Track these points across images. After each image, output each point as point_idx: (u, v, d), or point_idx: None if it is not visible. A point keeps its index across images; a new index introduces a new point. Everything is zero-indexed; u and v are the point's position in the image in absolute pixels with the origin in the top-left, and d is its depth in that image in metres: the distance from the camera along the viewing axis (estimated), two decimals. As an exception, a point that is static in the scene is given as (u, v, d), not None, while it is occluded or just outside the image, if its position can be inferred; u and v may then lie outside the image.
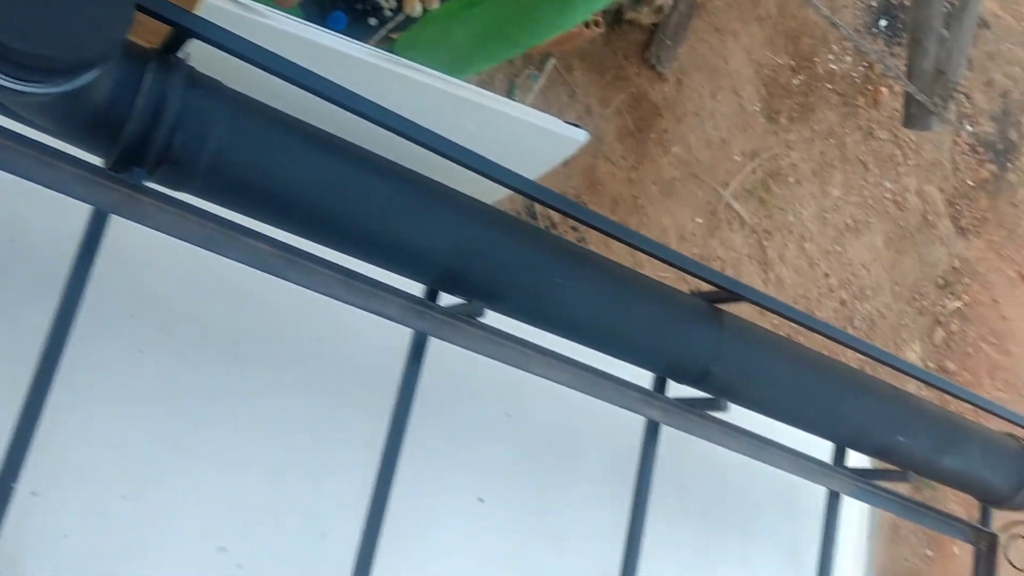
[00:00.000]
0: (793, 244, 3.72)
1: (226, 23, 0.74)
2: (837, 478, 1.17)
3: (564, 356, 0.94)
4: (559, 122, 1.41)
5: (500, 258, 0.88)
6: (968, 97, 4.47)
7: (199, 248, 0.75)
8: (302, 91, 0.77)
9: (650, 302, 0.98)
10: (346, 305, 0.82)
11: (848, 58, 4.06)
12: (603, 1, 2.02)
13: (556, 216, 2.98)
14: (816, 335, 1.09)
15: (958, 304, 4.18)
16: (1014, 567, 1.31)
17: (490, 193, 0.95)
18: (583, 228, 2.87)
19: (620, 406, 1.00)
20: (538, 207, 2.97)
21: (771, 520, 1.31)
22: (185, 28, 0.72)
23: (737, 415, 1.07)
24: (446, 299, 0.90)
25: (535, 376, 0.94)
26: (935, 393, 1.34)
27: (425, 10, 2.22)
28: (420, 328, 0.87)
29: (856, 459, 1.22)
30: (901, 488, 1.23)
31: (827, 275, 3.80)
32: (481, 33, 1.92)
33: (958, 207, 4.32)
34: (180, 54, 0.75)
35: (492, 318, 0.90)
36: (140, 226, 0.73)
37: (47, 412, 0.71)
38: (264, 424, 0.95)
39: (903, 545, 3.68)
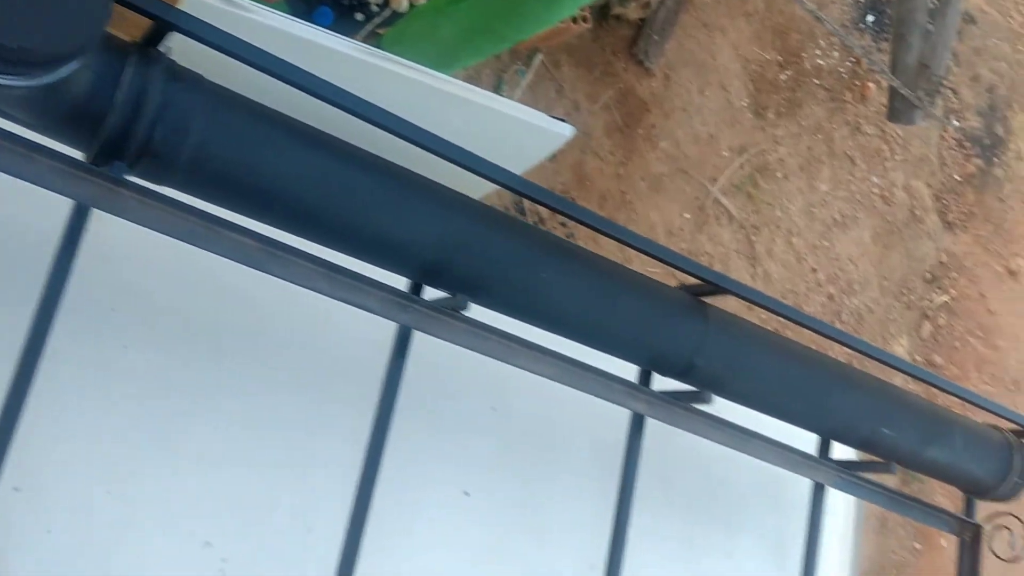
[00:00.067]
0: (781, 239, 3.73)
1: (211, 18, 0.74)
2: (822, 470, 1.17)
3: (549, 349, 0.94)
4: (545, 117, 1.42)
5: (484, 252, 0.88)
6: (955, 92, 4.48)
7: (181, 242, 0.75)
8: (288, 87, 0.77)
9: (634, 296, 0.98)
10: (331, 300, 0.82)
11: (835, 53, 4.07)
12: (588, -4, 2.02)
13: (545, 212, 2.98)
14: (805, 329, 1.10)
15: (945, 298, 4.19)
16: (998, 557, 1.32)
17: (478, 188, 0.95)
18: (571, 224, 2.87)
19: (605, 399, 1.00)
20: (527, 203, 2.97)
21: (756, 512, 1.31)
22: (165, 21, 0.72)
23: (723, 409, 1.08)
24: (431, 294, 0.90)
25: (520, 370, 0.94)
26: (922, 387, 1.35)
27: (412, 5, 2.22)
28: (403, 321, 0.87)
29: (841, 452, 1.22)
30: (889, 481, 1.24)
31: (815, 270, 3.81)
32: (467, 28, 1.92)
33: (945, 202, 4.33)
34: (161, 48, 0.75)
35: (477, 312, 0.90)
36: (122, 220, 0.73)
37: (29, 407, 0.71)
38: (248, 418, 0.94)
39: (891, 538, 3.70)
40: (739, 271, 3.54)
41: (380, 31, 2.21)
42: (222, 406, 0.93)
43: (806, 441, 1.17)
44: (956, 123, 4.47)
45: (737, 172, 3.65)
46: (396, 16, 2.21)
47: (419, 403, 1.01)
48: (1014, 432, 1.31)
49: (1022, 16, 4.79)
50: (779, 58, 3.88)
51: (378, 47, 1.42)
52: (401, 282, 0.88)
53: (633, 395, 1.01)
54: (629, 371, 1.03)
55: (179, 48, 0.76)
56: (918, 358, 4.01)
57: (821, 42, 4.03)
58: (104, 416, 0.88)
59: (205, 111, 0.74)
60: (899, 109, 3.48)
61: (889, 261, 4.06)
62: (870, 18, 4.24)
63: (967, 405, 1.28)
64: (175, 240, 0.74)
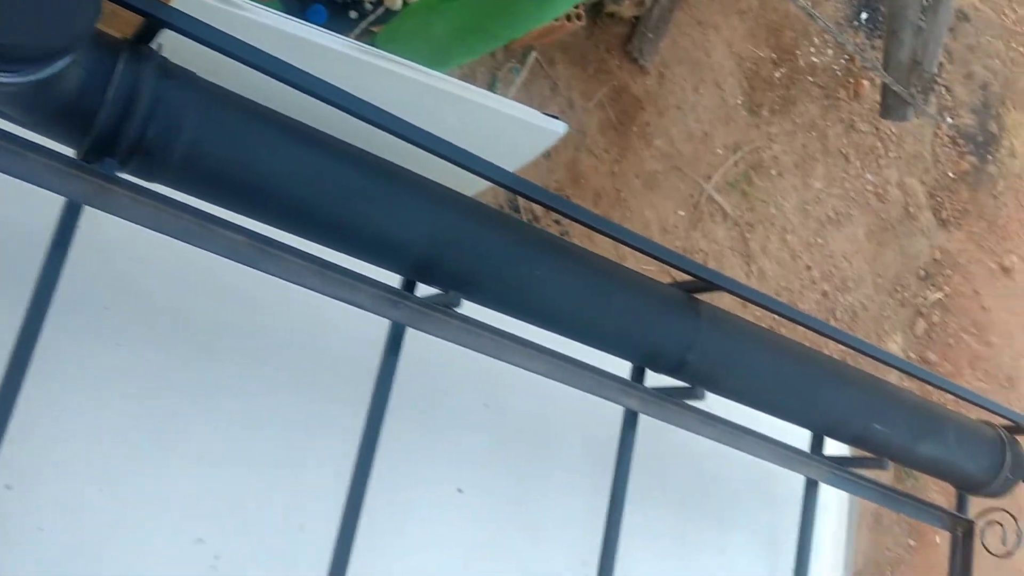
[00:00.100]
0: (775, 236, 3.73)
1: (203, 16, 0.74)
2: (814, 466, 1.17)
3: (542, 346, 0.95)
4: (538, 114, 1.42)
5: (476, 248, 0.89)
6: (948, 90, 4.49)
7: (174, 240, 0.75)
8: (282, 85, 0.77)
9: (627, 292, 0.98)
10: (324, 297, 0.82)
11: (829, 51, 4.08)
12: (581, -6, 2.03)
13: (539, 209, 2.98)
14: (799, 327, 1.10)
15: (939, 295, 4.20)
16: (991, 553, 1.32)
17: (472, 186, 0.95)
18: (566, 221, 2.87)
19: (598, 396, 1.00)
20: (521, 200, 2.97)
21: (750, 509, 1.31)
22: (157, 18, 0.71)
23: (717, 406, 1.08)
24: (423, 291, 0.90)
25: (513, 366, 0.94)
26: (917, 383, 1.35)
27: (405, 3, 2.22)
28: (395, 318, 0.87)
29: (834, 448, 1.22)
30: (883, 478, 1.24)
31: (809, 267, 3.81)
32: (461, 26, 1.92)
33: (939, 199, 4.34)
34: (153, 45, 0.75)
35: (470, 309, 0.90)
36: (116, 218, 0.73)
37: (20, 405, 0.71)
38: (241, 416, 0.94)
39: (886, 535, 3.70)
40: (734, 268, 3.55)
41: (374, 29, 2.21)
42: (215, 404, 0.93)
43: (799, 438, 1.18)
44: (950, 120, 4.48)
45: (731, 169, 3.65)
46: (390, 14, 2.22)
47: (412, 400, 1.02)
48: (1006, 428, 1.31)
49: (1015, 14, 4.80)
50: (773, 56, 3.89)
51: (372, 45, 1.42)
52: (394, 279, 0.88)
53: (626, 391, 1.02)
54: (622, 368, 1.03)
55: (173, 47, 0.76)
56: (912, 355, 4.01)
57: (815, 40, 4.03)
58: (96, 414, 0.88)
59: (197, 108, 0.74)
60: (892, 106, 3.48)
61: (883, 258, 4.06)
62: (864, 16, 4.25)
63: (961, 402, 1.28)
64: (169, 238, 0.75)
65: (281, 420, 0.97)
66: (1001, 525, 1.33)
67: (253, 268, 0.78)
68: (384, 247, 0.84)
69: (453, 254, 0.87)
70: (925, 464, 1.24)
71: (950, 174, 4.40)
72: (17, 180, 0.68)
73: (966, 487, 1.32)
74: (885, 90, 3.49)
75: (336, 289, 0.82)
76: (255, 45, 0.75)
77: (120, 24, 0.77)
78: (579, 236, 2.68)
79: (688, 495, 1.26)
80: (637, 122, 3.42)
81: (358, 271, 0.83)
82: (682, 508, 1.25)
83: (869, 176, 4.10)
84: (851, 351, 1.16)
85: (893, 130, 4.18)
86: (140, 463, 0.89)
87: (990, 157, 4.55)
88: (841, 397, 1.13)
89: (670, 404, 1.04)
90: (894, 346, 3.96)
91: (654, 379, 1.05)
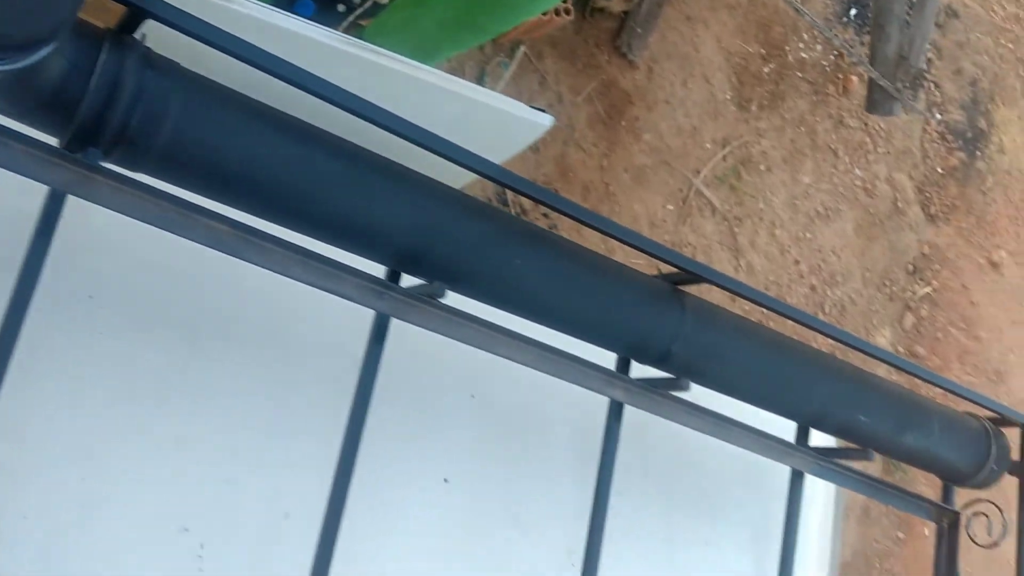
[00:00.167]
0: (764, 231, 3.74)
1: (189, 7, 0.74)
2: (799, 457, 1.18)
3: (527, 337, 0.95)
4: (524, 107, 1.42)
5: (461, 238, 0.89)
6: (937, 86, 4.50)
7: (159, 229, 0.75)
8: (269, 77, 0.77)
9: (611, 283, 0.98)
10: (309, 288, 0.82)
11: (818, 46, 4.08)
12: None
13: (527, 203, 2.98)
14: (788, 320, 1.10)
15: (928, 290, 4.21)
16: (976, 544, 1.33)
17: (459, 179, 0.96)
18: (554, 215, 2.87)
19: (584, 387, 1.00)
20: (510, 194, 2.97)
21: (736, 501, 1.32)
22: (140, 8, 0.71)
23: (704, 398, 1.08)
24: (409, 283, 0.90)
25: (499, 358, 0.94)
26: (905, 377, 1.35)
27: (393, -3, 2.22)
28: (380, 309, 0.87)
29: (820, 439, 1.23)
30: (872, 471, 1.24)
31: (798, 262, 3.82)
32: (448, 20, 1.92)
33: (928, 194, 4.36)
34: (136, 35, 0.74)
35: (456, 300, 0.90)
36: (100, 208, 0.73)
37: (3, 393, 0.71)
38: (226, 405, 0.94)
39: (874, 527, 3.72)
40: (722, 263, 3.55)
41: (362, 22, 2.20)
42: (198, 393, 0.93)
43: (785, 430, 1.18)
44: (939, 116, 4.50)
45: (720, 164, 3.66)
46: (378, 7, 2.21)
47: (398, 391, 1.02)
48: (992, 420, 1.32)
49: (1004, 10, 4.82)
50: (762, 51, 3.89)
51: (360, 38, 1.41)
52: (379, 270, 0.88)
53: (611, 382, 1.02)
54: (608, 359, 1.03)
55: (160, 38, 0.75)
56: (901, 349, 4.03)
57: (804, 35, 4.04)
58: (80, 402, 0.87)
59: (181, 98, 0.74)
60: (878, 100, 3.49)
61: (872, 253, 4.08)
62: (852, 11, 4.26)
63: (950, 396, 1.29)
64: (153, 228, 0.75)
65: (265, 410, 0.97)
66: (987, 516, 1.34)
67: (236, 257, 0.78)
68: (368, 237, 0.84)
69: (438, 244, 0.87)
70: (910, 455, 1.24)
71: (939, 170, 4.42)
72: (0, 169, 0.68)
73: (952, 478, 1.32)
74: (871, 84, 3.50)
75: (320, 279, 0.82)
76: (242, 37, 0.75)
77: (109, 20, 0.77)
78: (568, 230, 2.68)
79: (675, 487, 1.26)
80: (626, 116, 3.43)
81: (342, 261, 0.83)
82: (668, 500, 1.25)
83: (858, 171, 4.11)
84: (840, 345, 1.16)
85: (882, 126, 4.19)
86: (123, 451, 0.89)
87: (979, 153, 4.56)
88: (826, 388, 1.14)
89: (655, 395, 1.04)
90: (883, 340, 3.97)
91: (640, 371, 1.05)
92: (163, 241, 0.78)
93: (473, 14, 1.88)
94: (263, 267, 0.79)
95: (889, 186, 4.22)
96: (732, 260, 3.60)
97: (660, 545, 1.23)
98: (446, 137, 0.84)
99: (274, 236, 0.79)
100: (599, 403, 1.04)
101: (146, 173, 0.76)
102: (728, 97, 3.74)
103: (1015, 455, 1.32)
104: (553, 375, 0.98)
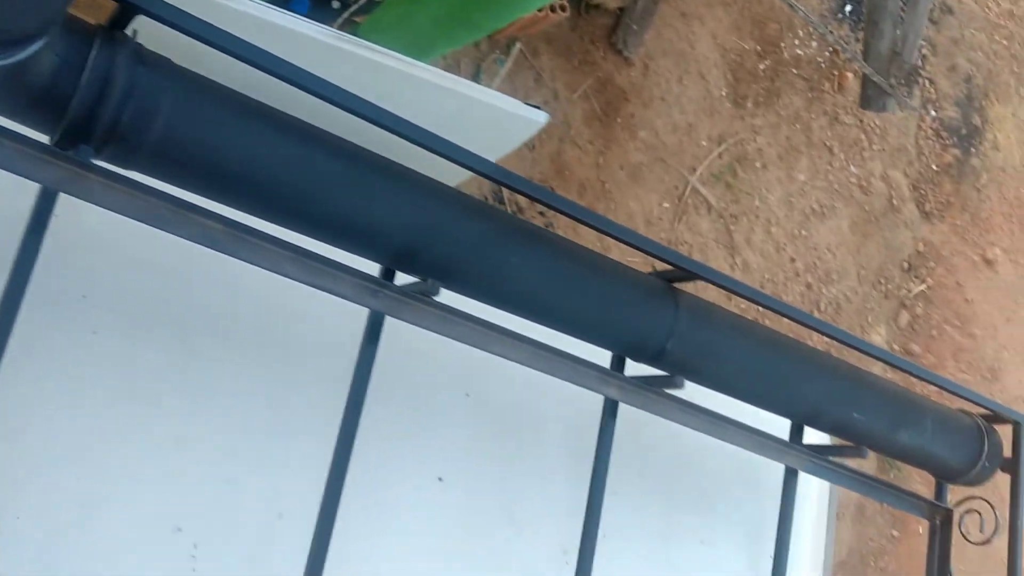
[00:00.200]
0: (760, 228, 3.74)
1: (187, 4, 0.73)
2: (793, 454, 1.18)
3: (522, 335, 0.95)
4: (519, 103, 1.42)
5: (456, 236, 0.88)
6: (932, 83, 4.50)
7: (153, 228, 0.74)
8: (264, 75, 0.76)
9: (606, 281, 0.98)
10: (304, 286, 0.82)
11: (814, 43, 4.08)
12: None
13: (524, 201, 2.98)
14: (784, 318, 1.10)
15: (923, 287, 4.22)
16: (969, 541, 1.33)
17: (454, 176, 0.95)
18: (551, 213, 2.87)
19: (578, 384, 1.00)
20: (506, 192, 2.97)
21: (731, 499, 1.32)
22: (130, 3, 0.71)
23: (698, 397, 1.08)
24: (403, 281, 0.90)
25: (494, 356, 0.94)
26: (900, 375, 1.35)
27: (388, -7, 2.21)
28: (374, 307, 0.87)
29: (815, 438, 1.23)
30: (866, 468, 1.24)
31: (793, 259, 3.82)
32: (443, 16, 1.91)
33: (923, 192, 4.36)
34: (128, 31, 0.74)
35: (451, 299, 0.90)
36: (93, 206, 0.72)
37: (-3, 393, 0.70)
38: (220, 405, 0.94)
39: (869, 525, 3.72)
40: (718, 260, 3.55)
41: (357, 19, 2.20)
42: (193, 392, 0.93)
43: (779, 428, 1.18)
44: (933, 113, 4.50)
45: (716, 161, 3.66)
46: (373, 4, 2.21)
47: (392, 389, 1.02)
48: (984, 417, 1.32)
49: (999, 7, 4.82)
50: (758, 48, 3.89)
51: (354, 35, 1.41)
52: (373, 268, 0.88)
53: (605, 380, 1.02)
54: (603, 357, 1.03)
55: (154, 35, 0.75)
56: (896, 346, 4.03)
57: (799, 32, 4.04)
58: (73, 402, 0.87)
59: (172, 94, 0.74)
60: (871, 96, 3.49)
61: (867, 250, 4.08)
62: (848, 8, 4.26)
63: (944, 394, 1.29)
64: (146, 226, 0.74)
65: (260, 409, 0.97)
66: (979, 513, 1.34)
67: (230, 256, 0.77)
68: (363, 235, 0.84)
69: (432, 242, 0.87)
70: (904, 453, 1.24)
71: (934, 167, 4.42)
72: (-8, 168, 0.68)
73: (945, 475, 1.32)
74: (865, 80, 3.50)
75: (314, 277, 0.81)
76: (236, 34, 0.74)
77: (101, 17, 0.76)
78: (564, 228, 2.68)
79: (669, 485, 1.26)
80: (622, 113, 3.42)
81: (337, 260, 0.83)
82: (663, 498, 1.25)
83: (853, 168, 4.11)
84: (835, 343, 1.16)
85: (877, 123, 4.19)
86: (118, 451, 0.88)
87: (973, 150, 4.57)
88: (820, 386, 1.14)
89: (649, 393, 1.04)
90: (878, 338, 3.97)
91: (634, 368, 1.05)
92: (156, 239, 0.77)
93: (468, 10, 1.87)
94: (256, 265, 0.78)
95: (884, 183, 4.22)
96: (728, 258, 3.60)
97: (655, 542, 1.23)
98: (441, 134, 0.83)
99: (267, 234, 0.78)
100: (594, 401, 1.04)
101: (138, 170, 0.75)
102: (724, 94, 3.74)
103: (1008, 452, 1.32)
104: (548, 373, 0.97)
